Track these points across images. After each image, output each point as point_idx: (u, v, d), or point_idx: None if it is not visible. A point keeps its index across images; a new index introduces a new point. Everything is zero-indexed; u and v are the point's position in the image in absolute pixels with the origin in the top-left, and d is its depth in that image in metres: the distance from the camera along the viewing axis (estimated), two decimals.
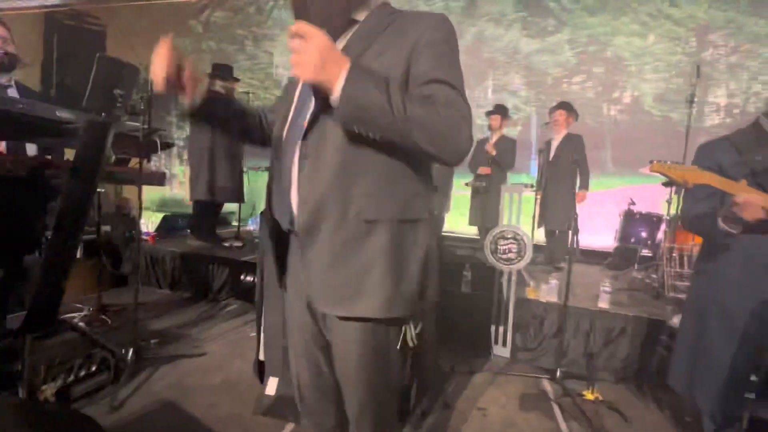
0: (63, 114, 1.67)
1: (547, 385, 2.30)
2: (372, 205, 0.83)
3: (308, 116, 0.84)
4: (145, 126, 1.95)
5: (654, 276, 3.35)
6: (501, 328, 2.70)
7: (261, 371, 2.04)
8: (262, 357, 2.02)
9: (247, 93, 4.47)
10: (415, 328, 0.92)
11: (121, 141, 2.00)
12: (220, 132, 1.12)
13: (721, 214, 1.28)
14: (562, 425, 1.92)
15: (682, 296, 2.61)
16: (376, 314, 0.85)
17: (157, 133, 2.06)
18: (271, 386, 1.96)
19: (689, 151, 3.33)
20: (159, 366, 2.17)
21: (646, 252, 3.82)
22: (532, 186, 4.07)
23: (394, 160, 0.83)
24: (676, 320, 2.30)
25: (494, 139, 4.20)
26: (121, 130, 1.92)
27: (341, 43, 0.88)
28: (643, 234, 3.76)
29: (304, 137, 0.84)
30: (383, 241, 0.83)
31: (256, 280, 2.92)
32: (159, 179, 2.20)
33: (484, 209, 4.19)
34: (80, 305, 2.80)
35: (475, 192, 4.33)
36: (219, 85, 3.73)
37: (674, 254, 2.87)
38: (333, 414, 1.06)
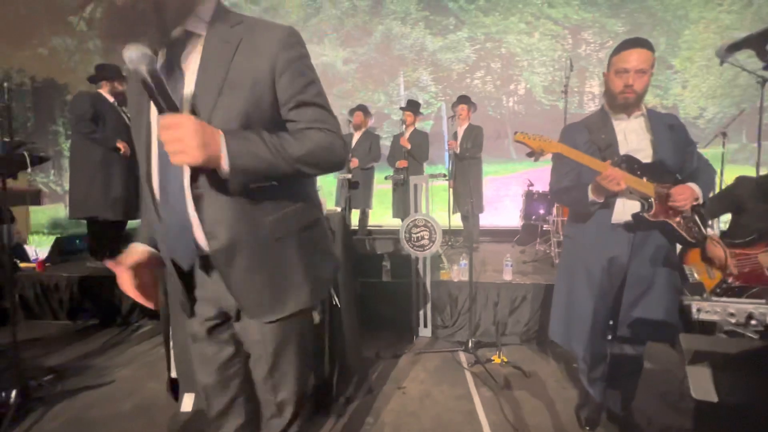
0: None
1: (462, 356, 2.52)
2: (277, 224, 0.91)
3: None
4: (6, 139, 1.73)
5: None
6: (422, 311, 2.89)
7: (175, 390, 1.95)
8: (174, 374, 1.94)
9: None
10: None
11: None
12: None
13: (591, 187, 1.50)
14: (472, 389, 2.13)
15: None
16: (306, 306, 0.97)
17: (24, 146, 1.83)
18: (187, 403, 1.89)
19: None
20: (54, 404, 1.96)
21: (546, 227, 4.32)
22: (445, 175, 4.37)
23: (285, 181, 0.90)
24: None
25: (408, 133, 4.40)
26: None
27: (191, 66, 0.83)
28: (542, 211, 4.23)
29: (193, 179, 0.83)
30: (294, 250, 0.94)
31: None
32: (32, 198, 1.97)
33: (405, 201, 4.38)
34: None
35: (396, 185, 4.50)
36: (107, 89, 3.41)
37: (558, 226, 3.28)
38: (243, 413, 1.08)
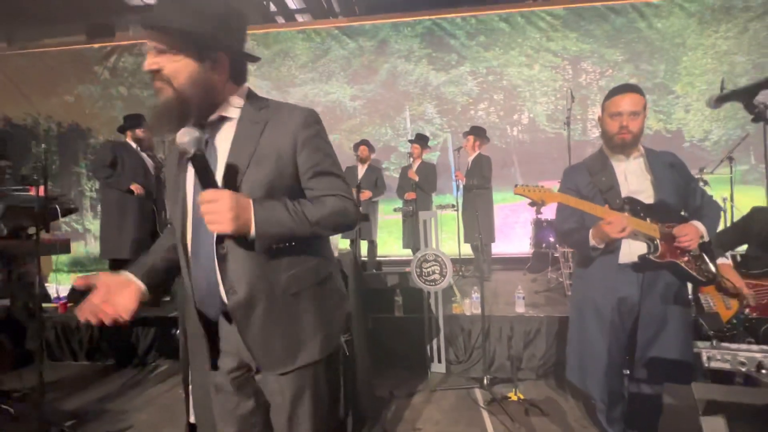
0: None
1: (478, 394, 2.49)
2: (293, 280, 0.99)
3: None
4: (41, 196, 1.86)
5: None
6: (435, 346, 2.87)
7: None
8: (192, 419, 1.95)
9: (163, 141, 4.34)
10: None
11: (14, 213, 1.88)
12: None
13: (592, 232, 1.52)
14: (489, 429, 2.09)
15: None
16: (316, 358, 1.01)
17: (56, 201, 1.96)
18: None
19: (573, 162, 3.91)
20: None
21: (557, 254, 4.30)
22: (453, 206, 4.43)
23: (302, 240, 0.98)
24: None
25: (415, 166, 4.51)
26: (13, 203, 1.82)
27: (223, 142, 0.97)
28: (552, 239, 4.24)
29: (219, 241, 0.94)
30: (308, 304, 1.01)
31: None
32: (62, 247, 2.08)
33: (415, 232, 4.43)
34: None
35: (406, 216, 4.57)
36: (130, 136, 3.62)
37: (568, 256, 3.28)
38: None
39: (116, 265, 3.51)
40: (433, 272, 2.83)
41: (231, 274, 0.95)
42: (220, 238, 0.94)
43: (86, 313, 0.94)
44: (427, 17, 5.45)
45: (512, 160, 5.37)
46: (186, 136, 0.84)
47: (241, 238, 0.90)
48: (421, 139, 4.55)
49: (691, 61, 5.02)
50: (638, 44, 5.12)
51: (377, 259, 4.81)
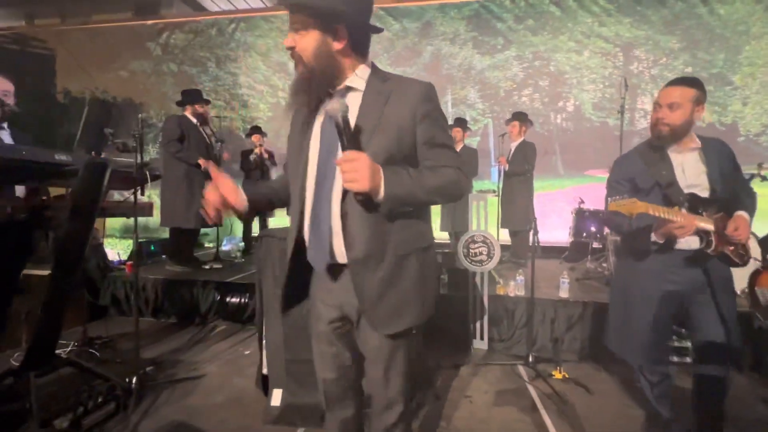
0: (61, 157, 1.75)
1: (522, 370, 2.60)
2: (402, 242, 1.08)
3: (341, 185, 1.01)
4: (138, 162, 2.05)
5: (605, 265, 3.82)
6: (478, 324, 2.99)
7: (265, 385, 2.17)
8: (265, 371, 2.15)
9: (218, 117, 4.54)
10: None
11: (113, 177, 2.07)
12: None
13: (655, 230, 1.57)
14: (538, 403, 2.21)
15: None
16: (415, 323, 1.11)
17: (147, 166, 2.15)
18: (276, 397, 2.10)
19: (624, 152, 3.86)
20: (161, 391, 2.24)
21: (596, 245, 4.29)
22: (494, 191, 4.47)
23: (415, 206, 1.09)
24: None
25: (457, 149, 4.54)
26: (116, 168, 2.01)
27: (352, 109, 1.04)
28: (593, 229, 4.23)
29: (343, 198, 1.04)
30: (413, 268, 1.10)
31: (255, 300, 3.02)
32: (148, 210, 2.29)
33: (454, 215, 4.51)
34: (64, 341, 2.75)
35: None
36: (190, 111, 3.80)
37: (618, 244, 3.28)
38: (353, 406, 1.27)
39: (176, 233, 3.77)
40: (480, 253, 2.92)
41: (350, 230, 1.04)
42: (344, 198, 1.03)
43: (211, 204, 1.09)
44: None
45: (554, 148, 5.32)
46: (336, 104, 0.94)
47: (361, 198, 0.98)
48: (461, 123, 4.56)
49: (754, 51, 4.77)
50: (697, 31, 4.91)
51: None
